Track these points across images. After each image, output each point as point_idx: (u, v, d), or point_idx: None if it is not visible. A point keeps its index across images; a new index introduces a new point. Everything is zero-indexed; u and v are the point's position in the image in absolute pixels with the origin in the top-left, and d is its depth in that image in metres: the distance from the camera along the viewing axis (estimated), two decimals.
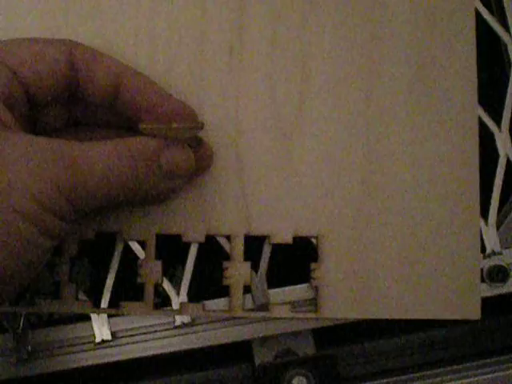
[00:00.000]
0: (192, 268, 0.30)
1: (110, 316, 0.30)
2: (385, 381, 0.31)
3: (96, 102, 0.27)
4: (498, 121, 0.32)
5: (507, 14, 0.33)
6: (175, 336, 0.30)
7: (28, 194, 0.22)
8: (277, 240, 0.30)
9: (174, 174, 0.26)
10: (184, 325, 0.30)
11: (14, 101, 0.25)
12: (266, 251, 0.31)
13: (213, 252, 0.30)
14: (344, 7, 0.31)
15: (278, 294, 0.31)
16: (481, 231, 0.31)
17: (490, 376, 0.31)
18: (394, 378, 0.31)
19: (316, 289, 0.30)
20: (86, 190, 0.24)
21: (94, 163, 0.24)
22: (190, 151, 0.27)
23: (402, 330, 0.33)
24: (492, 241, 0.32)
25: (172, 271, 0.35)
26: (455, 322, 0.31)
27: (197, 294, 0.31)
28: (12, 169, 0.22)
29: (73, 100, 0.27)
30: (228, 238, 0.30)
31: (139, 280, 0.30)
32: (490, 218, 0.32)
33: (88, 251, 0.31)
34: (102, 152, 0.24)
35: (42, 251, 0.23)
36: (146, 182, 0.26)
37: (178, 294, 0.30)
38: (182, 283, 0.30)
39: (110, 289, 0.30)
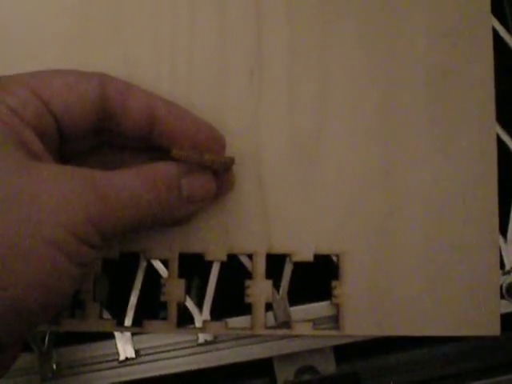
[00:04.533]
0: (214, 286, 0.31)
1: (133, 334, 0.31)
2: None
3: (131, 135, 0.27)
4: None
5: None
6: (198, 354, 0.31)
7: (61, 225, 0.22)
8: (298, 258, 0.31)
9: (195, 199, 0.27)
10: (207, 342, 0.31)
11: (44, 131, 0.25)
12: (288, 269, 0.31)
13: (235, 270, 0.30)
14: (362, 27, 0.32)
15: (300, 311, 0.31)
16: (500, 248, 0.31)
17: None
18: None
19: (337, 306, 0.30)
20: (113, 218, 0.24)
21: (120, 191, 0.24)
22: (212, 177, 0.28)
23: (423, 344, 0.34)
24: (511, 257, 0.32)
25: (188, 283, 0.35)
26: (475, 337, 0.31)
27: (219, 312, 0.31)
28: (43, 200, 0.22)
29: (103, 130, 0.27)
30: (250, 256, 0.31)
31: (162, 298, 0.30)
32: (508, 234, 0.32)
33: (110, 269, 0.31)
34: (127, 179, 0.25)
35: (74, 280, 0.23)
36: (169, 206, 0.26)
37: (200, 312, 0.31)
38: (205, 301, 0.31)
39: (134, 307, 0.30)
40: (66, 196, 0.23)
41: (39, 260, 0.22)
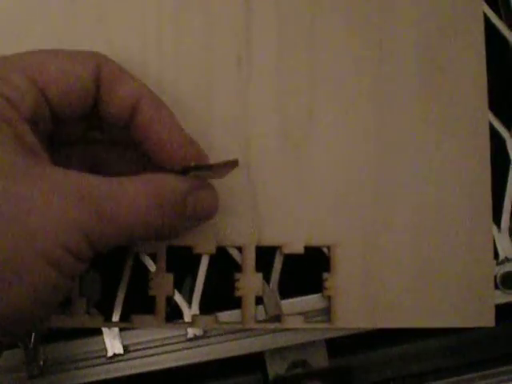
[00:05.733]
0: (203, 280, 0.30)
1: (121, 330, 0.30)
2: None
3: (112, 121, 0.26)
4: (509, 126, 0.32)
5: None
6: (188, 349, 0.30)
7: (57, 241, 0.22)
8: (288, 250, 0.30)
9: (198, 216, 0.26)
10: (196, 337, 0.30)
11: (38, 120, 0.24)
12: (278, 262, 0.30)
13: (224, 263, 0.30)
14: (352, 15, 0.31)
15: (291, 304, 0.31)
16: (493, 238, 0.31)
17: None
18: None
19: (329, 299, 0.30)
20: (111, 235, 0.23)
21: (122, 208, 0.23)
22: (216, 195, 0.27)
23: (416, 336, 0.33)
24: (505, 247, 0.31)
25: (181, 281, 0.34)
26: (470, 328, 0.31)
27: (209, 306, 0.30)
28: (40, 212, 0.22)
29: (93, 115, 0.26)
30: (239, 249, 0.30)
31: (150, 293, 0.30)
32: (502, 224, 0.31)
33: (98, 263, 0.30)
34: (131, 194, 0.23)
35: (63, 293, 0.23)
36: (170, 224, 0.25)
37: (189, 306, 0.30)
38: (194, 295, 0.30)
39: (122, 302, 0.30)
40: (65, 211, 0.22)
41: (31, 274, 0.21)
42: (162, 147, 0.26)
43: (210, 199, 0.27)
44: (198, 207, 0.26)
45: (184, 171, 0.25)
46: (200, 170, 0.25)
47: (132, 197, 0.23)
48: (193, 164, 0.25)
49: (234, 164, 0.25)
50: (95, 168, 0.28)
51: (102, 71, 0.25)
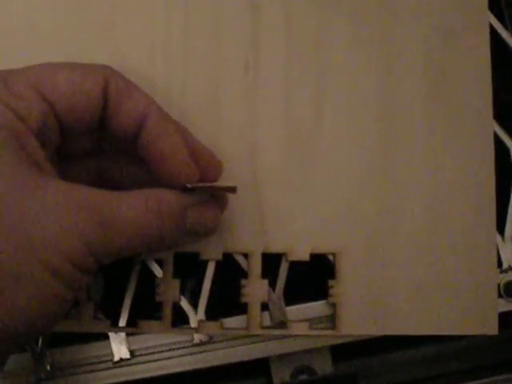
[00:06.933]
0: (210, 286, 0.30)
1: (128, 334, 0.30)
2: None
3: (118, 134, 0.26)
4: None
5: None
6: (193, 354, 0.30)
7: (59, 252, 0.22)
8: (294, 257, 0.30)
9: (197, 232, 0.26)
10: (202, 343, 0.30)
11: (46, 133, 0.24)
12: (284, 268, 0.31)
13: (230, 270, 0.30)
14: (358, 23, 0.31)
15: (296, 311, 0.31)
16: (497, 246, 0.31)
17: None
18: None
19: (334, 306, 0.30)
20: (113, 247, 0.24)
21: (124, 221, 0.24)
22: (217, 211, 0.27)
23: (420, 342, 0.33)
24: (509, 256, 0.32)
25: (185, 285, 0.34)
26: (473, 335, 0.31)
27: (214, 312, 0.31)
28: (45, 224, 0.22)
29: (100, 128, 0.27)
30: (245, 255, 0.30)
31: (157, 299, 0.30)
32: (506, 232, 0.32)
33: (105, 269, 0.31)
34: (132, 209, 0.24)
35: (67, 304, 0.23)
36: (170, 238, 0.26)
37: (195, 312, 0.30)
38: (200, 301, 0.30)
39: (128, 307, 0.30)
40: (68, 222, 0.22)
41: (35, 285, 0.22)
42: (165, 164, 0.26)
43: (209, 216, 0.27)
44: (197, 223, 0.26)
45: (184, 189, 0.26)
46: (196, 191, 0.26)
47: (133, 210, 0.24)
48: (189, 185, 0.26)
49: (231, 190, 0.26)
50: (103, 181, 0.28)
51: (109, 85, 0.25)
